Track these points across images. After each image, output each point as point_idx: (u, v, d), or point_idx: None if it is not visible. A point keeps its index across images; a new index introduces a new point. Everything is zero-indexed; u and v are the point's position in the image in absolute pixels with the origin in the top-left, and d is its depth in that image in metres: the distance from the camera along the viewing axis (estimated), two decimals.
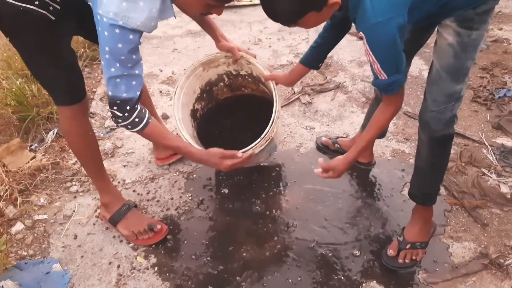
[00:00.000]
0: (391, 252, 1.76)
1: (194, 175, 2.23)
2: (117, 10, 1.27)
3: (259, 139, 1.79)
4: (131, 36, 1.32)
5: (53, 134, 2.44)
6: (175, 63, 3.17)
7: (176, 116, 1.93)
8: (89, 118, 2.59)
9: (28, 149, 2.35)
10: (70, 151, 2.36)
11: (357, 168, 2.24)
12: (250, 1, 4.04)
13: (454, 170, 2.16)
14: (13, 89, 2.48)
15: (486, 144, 2.32)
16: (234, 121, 2.24)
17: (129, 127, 1.54)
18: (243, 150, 1.76)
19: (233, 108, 2.24)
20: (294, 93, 2.84)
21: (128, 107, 1.48)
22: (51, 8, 1.43)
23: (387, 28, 1.29)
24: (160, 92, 2.88)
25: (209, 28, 1.92)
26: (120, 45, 1.33)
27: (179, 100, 1.97)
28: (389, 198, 2.06)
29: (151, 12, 1.31)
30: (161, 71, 3.12)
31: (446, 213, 1.97)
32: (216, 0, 1.35)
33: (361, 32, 1.34)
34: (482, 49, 3.23)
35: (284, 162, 2.30)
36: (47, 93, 2.55)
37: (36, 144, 2.39)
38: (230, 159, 1.70)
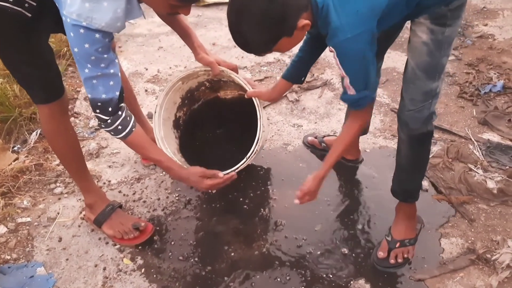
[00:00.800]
0: (381, 254, 1.76)
1: None
2: (80, 11, 1.24)
3: (244, 160, 1.78)
4: (97, 35, 1.30)
5: (36, 135, 2.40)
6: (160, 61, 3.13)
7: (157, 135, 1.92)
8: (73, 118, 2.56)
9: (11, 150, 2.30)
10: None
11: (345, 165, 2.23)
12: None
13: (441, 166, 2.17)
14: None
15: (473, 139, 2.34)
16: (218, 124, 2.22)
17: (112, 133, 1.54)
18: (225, 172, 1.75)
19: (217, 109, 2.21)
20: None
21: (110, 109, 1.46)
22: (26, 5, 1.39)
23: (357, 43, 1.30)
24: (146, 91, 2.85)
25: (184, 35, 1.83)
26: (87, 45, 1.30)
27: (160, 118, 1.93)
28: (377, 196, 2.06)
29: (116, 13, 1.29)
30: (147, 69, 3.08)
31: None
32: (180, 3, 1.32)
33: (331, 47, 1.35)
34: (467, 45, 3.26)
35: (272, 160, 2.29)
36: None
37: (18, 145, 2.35)
38: (210, 180, 1.69)
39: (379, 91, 2.75)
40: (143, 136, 1.62)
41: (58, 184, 2.16)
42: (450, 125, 2.47)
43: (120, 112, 1.50)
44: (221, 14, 3.88)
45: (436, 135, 2.38)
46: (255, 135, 1.80)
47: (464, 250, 1.79)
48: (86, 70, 1.37)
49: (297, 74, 1.78)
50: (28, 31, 1.46)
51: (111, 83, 1.42)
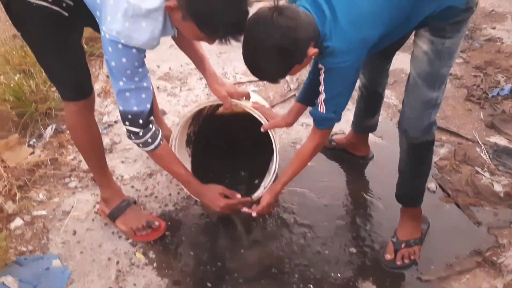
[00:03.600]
0: (388, 256, 1.80)
1: None
2: (119, 29, 1.29)
3: (259, 190, 1.83)
4: (134, 51, 1.34)
5: (52, 129, 2.44)
6: (172, 59, 3.17)
7: None
8: None
9: (27, 144, 2.35)
10: (69, 147, 2.37)
11: (355, 162, 2.27)
12: None
13: (448, 168, 2.20)
14: (11, 85, 2.48)
15: (480, 143, 2.37)
16: (229, 137, 2.16)
17: (141, 145, 1.58)
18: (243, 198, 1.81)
19: (227, 123, 2.14)
20: (290, 89, 2.85)
21: (140, 121, 1.50)
22: (64, 4, 1.45)
23: (344, 70, 1.40)
24: (158, 88, 2.88)
25: (198, 63, 1.83)
26: (124, 60, 1.35)
27: (176, 149, 1.89)
28: (387, 194, 2.08)
29: (153, 33, 1.33)
30: (159, 67, 3.12)
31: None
32: (207, 37, 1.37)
33: (320, 65, 1.43)
34: (475, 48, 3.27)
35: (280, 158, 2.31)
36: (45, 88, 2.56)
37: (34, 140, 2.39)
38: (227, 199, 1.75)
39: (387, 92, 2.77)
40: (168, 149, 1.69)
41: (72, 179, 2.20)
42: (457, 127, 2.50)
43: (150, 126, 1.54)
44: None
45: (443, 137, 2.41)
46: (263, 147, 1.84)
47: (470, 252, 1.83)
48: (121, 83, 1.41)
49: (310, 96, 1.78)
50: (64, 29, 1.51)
51: (143, 96, 1.46)
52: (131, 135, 1.55)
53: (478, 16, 3.71)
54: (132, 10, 1.27)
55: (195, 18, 1.29)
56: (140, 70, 1.42)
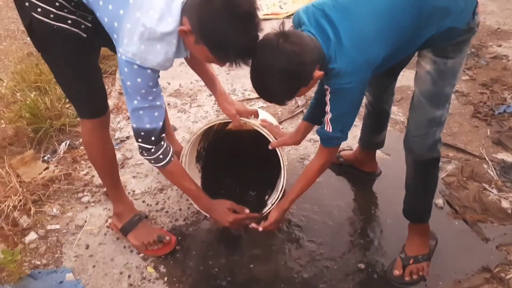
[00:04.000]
0: (396, 272, 1.81)
1: None
2: (135, 51, 1.35)
3: (267, 207, 1.86)
4: (148, 71, 1.40)
5: (66, 145, 2.50)
6: (182, 76, 3.23)
7: None
8: None
9: (41, 160, 2.41)
10: (82, 162, 2.43)
11: (363, 178, 2.30)
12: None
13: (455, 185, 2.22)
14: (27, 102, 2.54)
15: (487, 159, 2.38)
16: (238, 153, 2.19)
17: (152, 161, 1.62)
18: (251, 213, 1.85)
19: (237, 139, 2.19)
20: (298, 106, 2.90)
21: (153, 138, 1.54)
22: (83, 26, 1.52)
23: (349, 92, 1.45)
24: (168, 104, 2.94)
25: (209, 82, 1.90)
26: (139, 80, 1.40)
27: (186, 166, 1.93)
28: (394, 210, 2.10)
29: (167, 55, 1.39)
30: (169, 84, 3.19)
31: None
32: (217, 60, 1.42)
33: (326, 86, 1.47)
34: (481, 65, 3.31)
35: (288, 174, 2.32)
36: (59, 105, 2.63)
37: (48, 155, 2.45)
38: (235, 214, 1.80)
39: (394, 108, 2.81)
40: (178, 165, 1.73)
41: (85, 193, 2.25)
42: (464, 144, 2.52)
43: (162, 142, 1.59)
44: None
45: (450, 153, 2.43)
46: (270, 162, 1.88)
47: (479, 269, 1.84)
48: (135, 102, 1.46)
49: (316, 116, 1.82)
50: (83, 50, 1.58)
51: (156, 114, 1.51)
52: (143, 151, 1.59)
53: (484, 33, 3.75)
54: (147, 33, 1.33)
55: (207, 42, 1.33)
56: (154, 89, 1.47)
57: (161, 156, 1.61)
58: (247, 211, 1.83)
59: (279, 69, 1.35)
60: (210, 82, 1.89)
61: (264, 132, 1.82)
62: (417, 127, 1.64)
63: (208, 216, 1.97)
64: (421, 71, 1.57)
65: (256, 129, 1.84)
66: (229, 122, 1.93)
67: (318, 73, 1.40)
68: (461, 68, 1.57)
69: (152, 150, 1.58)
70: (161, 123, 1.54)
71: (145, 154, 1.60)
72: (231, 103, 1.85)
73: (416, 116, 1.64)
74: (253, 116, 1.89)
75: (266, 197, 2.04)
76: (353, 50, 1.39)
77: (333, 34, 1.39)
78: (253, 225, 1.79)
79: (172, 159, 1.65)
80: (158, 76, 1.47)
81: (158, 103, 1.50)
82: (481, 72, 3.22)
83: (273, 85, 1.40)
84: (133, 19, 1.33)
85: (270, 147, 1.83)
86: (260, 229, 1.76)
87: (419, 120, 1.63)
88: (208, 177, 2.13)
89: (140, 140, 1.56)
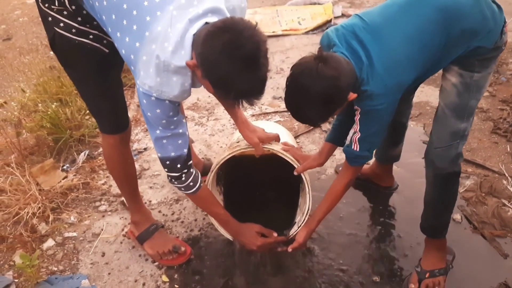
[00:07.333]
0: (412, 286, 1.78)
1: None
2: (152, 83, 1.34)
3: (294, 229, 1.84)
4: (167, 102, 1.38)
5: (84, 155, 2.55)
6: (200, 90, 3.17)
7: None
8: None
9: (61, 169, 2.46)
10: (100, 172, 2.47)
11: (379, 192, 2.29)
12: (273, 32, 4.17)
13: (474, 200, 2.19)
14: (49, 112, 2.61)
15: (506, 175, 2.35)
16: (258, 175, 2.14)
17: (183, 189, 1.62)
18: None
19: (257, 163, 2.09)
20: None
21: (178, 165, 1.53)
22: (105, 41, 1.53)
23: (380, 113, 1.48)
24: (186, 117, 2.98)
25: (230, 110, 1.87)
26: (158, 111, 1.39)
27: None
28: (411, 225, 2.07)
29: (184, 86, 1.37)
30: None
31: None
32: (221, 98, 1.43)
33: (357, 106, 1.50)
34: (502, 82, 3.28)
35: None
36: (79, 116, 2.69)
37: (68, 165, 2.50)
38: (264, 238, 1.79)
39: (413, 124, 2.80)
40: (207, 191, 1.72)
41: (102, 202, 2.29)
42: (483, 160, 2.49)
43: (191, 170, 1.59)
44: None
45: (469, 169, 2.40)
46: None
47: (497, 285, 1.79)
48: (158, 131, 1.46)
49: (339, 137, 1.83)
50: (105, 65, 1.59)
51: (180, 141, 1.50)
52: (173, 179, 1.58)
53: (504, 51, 3.71)
54: (162, 66, 1.30)
55: (210, 80, 1.28)
56: (175, 118, 1.44)
57: (191, 184, 1.60)
58: (275, 234, 1.81)
59: (318, 93, 1.36)
60: (231, 111, 1.87)
61: (288, 158, 1.80)
62: (440, 139, 1.63)
63: (233, 239, 1.91)
64: (446, 83, 1.58)
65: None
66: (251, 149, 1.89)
67: (352, 95, 1.42)
68: (487, 84, 1.58)
69: (183, 178, 1.56)
70: (185, 150, 1.52)
71: (175, 183, 1.59)
72: (253, 131, 1.82)
73: (440, 128, 1.63)
74: (274, 141, 1.87)
75: (296, 220, 1.97)
76: (385, 73, 1.41)
77: (365, 57, 1.42)
78: (283, 248, 1.80)
79: (201, 185, 1.64)
80: (178, 104, 1.44)
81: (180, 131, 1.48)
82: (501, 89, 3.19)
83: (310, 108, 1.41)
84: (149, 51, 1.31)
85: (295, 173, 1.81)
86: (290, 250, 1.75)
87: (443, 132, 1.62)
88: (229, 199, 2.11)
89: (166, 169, 1.55)
